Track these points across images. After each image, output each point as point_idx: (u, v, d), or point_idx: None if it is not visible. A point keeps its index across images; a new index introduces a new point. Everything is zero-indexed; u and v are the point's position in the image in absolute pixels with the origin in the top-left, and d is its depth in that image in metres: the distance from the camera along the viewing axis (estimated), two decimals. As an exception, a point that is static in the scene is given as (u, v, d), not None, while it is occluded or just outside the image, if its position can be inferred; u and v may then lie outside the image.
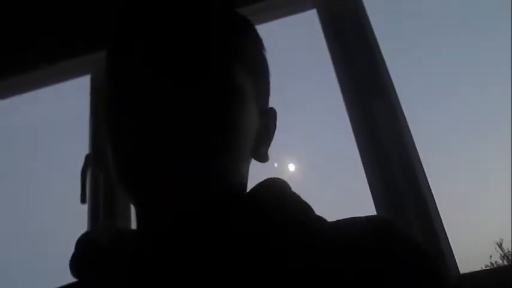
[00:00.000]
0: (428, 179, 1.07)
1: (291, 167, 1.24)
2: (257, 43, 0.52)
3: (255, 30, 0.52)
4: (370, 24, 1.17)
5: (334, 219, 0.45)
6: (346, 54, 1.16)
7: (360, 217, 0.44)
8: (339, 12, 1.19)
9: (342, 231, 0.43)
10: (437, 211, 1.03)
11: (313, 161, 1.25)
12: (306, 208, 0.47)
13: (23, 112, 1.53)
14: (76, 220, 1.34)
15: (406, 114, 1.12)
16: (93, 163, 1.31)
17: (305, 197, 0.49)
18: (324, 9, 1.21)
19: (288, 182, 0.51)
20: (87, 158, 1.32)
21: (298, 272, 0.39)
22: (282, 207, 0.46)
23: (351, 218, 0.44)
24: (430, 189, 1.06)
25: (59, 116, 1.50)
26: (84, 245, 0.51)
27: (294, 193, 0.49)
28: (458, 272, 0.96)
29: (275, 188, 0.49)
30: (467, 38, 1.17)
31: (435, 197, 1.05)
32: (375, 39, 1.16)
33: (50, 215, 1.34)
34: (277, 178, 0.50)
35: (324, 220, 0.46)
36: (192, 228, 0.43)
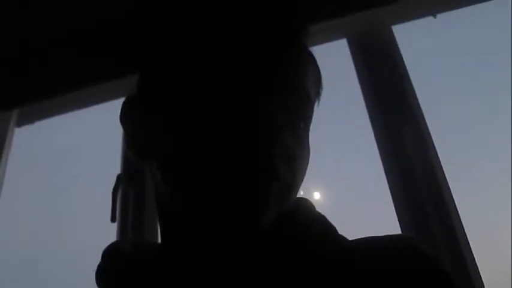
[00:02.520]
0: (456, 204, 1.07)
1: (316, 195, 1.24)
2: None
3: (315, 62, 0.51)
4: (400, 55, 1.21)
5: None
6: (375, 83, 1.20)
7: (379, 236, 0.46)
8: (369, 42, 1.23)
9: (364, 250, 0.44)
10: (466, 236, 1.03)
11: (339, 189, 1.26)
12: (333, 228, 0.49)
13: (56, 132, 1.58)
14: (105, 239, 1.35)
15: (434, 140, 1.14)
16: (124, 183, 1.34)
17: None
18: (354, 39, 1.26)
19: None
20: (118, 178, 1.34)
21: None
22: (315, 226, 0.48)
23: (371, 237, 0.46)
24: (459, 216, 1.06)
25: (89, 136, 1.54)
26: (110, 255, 0.51)
27: (321, 213, 0.51)
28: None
29: (308, 209, 0.51)
30: (503, 63, 1.19)
31: (462, 219, 1.05)
32: (405, 70, 1.19)
33: (81, 233, 1.36)
34: (305, 198, 0.52)
35: (346, 239, 0.48)
36: (226, 241, 0.44)
